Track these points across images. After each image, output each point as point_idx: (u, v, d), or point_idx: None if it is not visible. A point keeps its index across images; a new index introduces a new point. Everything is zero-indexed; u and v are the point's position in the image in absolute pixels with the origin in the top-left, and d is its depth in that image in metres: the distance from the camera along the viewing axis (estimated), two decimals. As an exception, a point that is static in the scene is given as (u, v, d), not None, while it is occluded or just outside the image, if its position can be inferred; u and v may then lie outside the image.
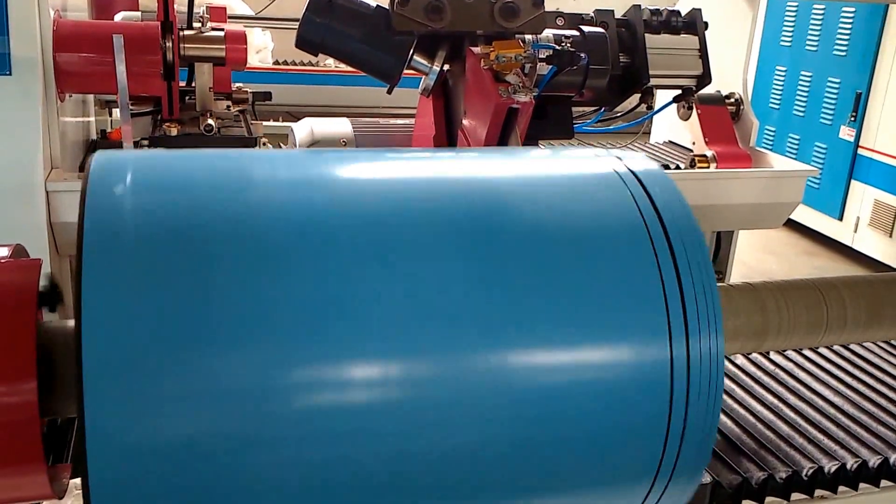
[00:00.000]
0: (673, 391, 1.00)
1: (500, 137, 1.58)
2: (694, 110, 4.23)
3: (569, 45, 1.70)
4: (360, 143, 1.99)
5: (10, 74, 3.16)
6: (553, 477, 1.01)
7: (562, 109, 1.88)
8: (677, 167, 4.06)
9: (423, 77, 1.73)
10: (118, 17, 3.87)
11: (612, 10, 1.94)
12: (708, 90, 4.32)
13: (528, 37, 1.74)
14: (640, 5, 1.97)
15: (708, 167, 4.01)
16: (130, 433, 0.82)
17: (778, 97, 6.26)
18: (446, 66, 1.74)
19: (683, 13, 2.07)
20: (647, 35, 1.97)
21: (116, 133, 3.99)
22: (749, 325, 1.35)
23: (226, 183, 0.99)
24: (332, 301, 0.89)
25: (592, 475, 1.03)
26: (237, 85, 4.14)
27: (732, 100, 4.31)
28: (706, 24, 2.06)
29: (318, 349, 0.88)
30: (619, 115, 2.03)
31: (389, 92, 1.73)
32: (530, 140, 1.95)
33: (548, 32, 1.78)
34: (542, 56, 1.61)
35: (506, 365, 0.96)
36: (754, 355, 2.57)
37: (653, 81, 1.94)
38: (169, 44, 3.54)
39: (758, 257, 5.58)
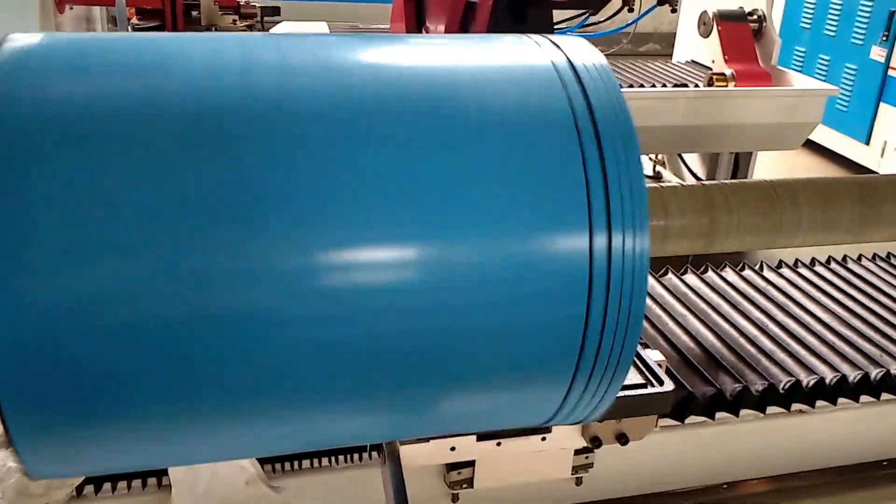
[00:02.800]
0: (592, 284, 0.98)
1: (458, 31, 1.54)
2: (714, 27, 4.10)
3: None
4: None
5: (2, -18, 3.15)
6: (469, 367, 1.00)
7: (542, 12, 1.82)
8: (696, 86, 3.95)
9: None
10: (126, -72, 3.82)
11: None
12: (730, 6, 4.19)
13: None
14: None
15: (726, 86, 3.90)
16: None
17: (809, 17, 6.04)
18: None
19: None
20: (627, -67, 1.89)
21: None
22: (696, 224, 1.31)
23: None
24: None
25: (510, 366, 1.02)
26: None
27: (755, 17, 4.17)
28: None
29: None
30: (602, 20, 1.96)
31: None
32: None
33: None
34: None
35: (424, 251, 0.94)
36: (747, 271, 2.53)
37: (628, -18, 1.86)
38: (173, -46, 3.49)
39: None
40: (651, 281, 2.46)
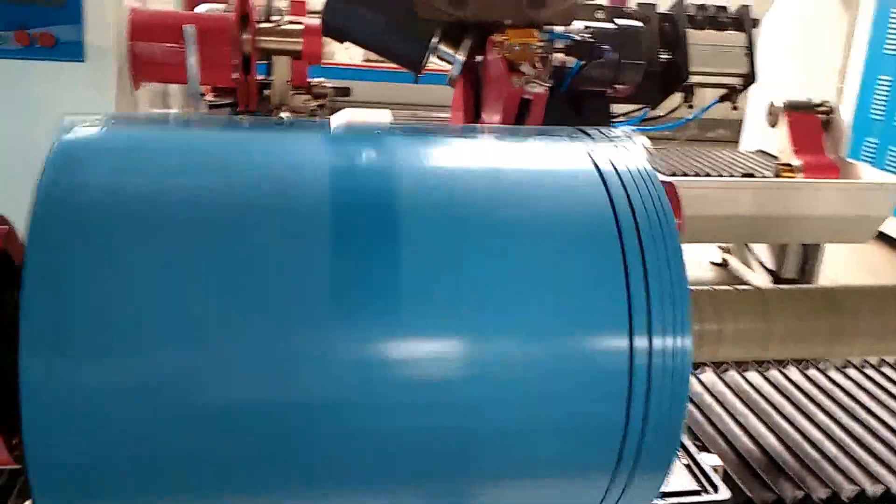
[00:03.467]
0: (632, 386, 0.97)
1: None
2: (783, 117, 4.07)
3: (589, 36, 1.64)
4: (396, 133, 1.98)
5: (84, 62, 3.27)
6: (508, 463, 0.99)
7: (600, 105, 1.83)
8: (763, 177, 3.91)
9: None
10: (201, 9, 3.97)
11: (655, 4, 1.86)
12: (799, 97, 4.15)
13: (560, 28, 1.69)
14: (682, 1, 1.89)
15: (793, 177, 3.84)
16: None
17: (881, 108, 5.95)
18: (478, 57, 1.71)
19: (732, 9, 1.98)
20: (690, 31, 1.89)
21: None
22: (751, 330, 1.27)
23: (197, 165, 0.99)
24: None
25: (549, 463, 1.01)
26: (318, 80, 4.20)
27: (824, 108, 4.12)
28: (756, 22, 1.96)
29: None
30: (661, 115, 1.96)
31: (416, 81, 1.72)
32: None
33: (580, 24, 1.73)
34: (558, 46, 1.57)
35: (463, 349, 0.94)
36: (811, 370, 2.44)
37: (694, 79, 1.85)
38: (246, 36, 3.60)
39: (851, 274, 5.32)
40: (712, 377, 2.39)
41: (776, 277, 4.31)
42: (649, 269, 1.00)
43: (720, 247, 4.83)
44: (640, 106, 1.95)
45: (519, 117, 1.47)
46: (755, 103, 4.48)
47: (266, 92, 4.13)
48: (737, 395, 2.28)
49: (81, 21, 3.18)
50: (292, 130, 1.12)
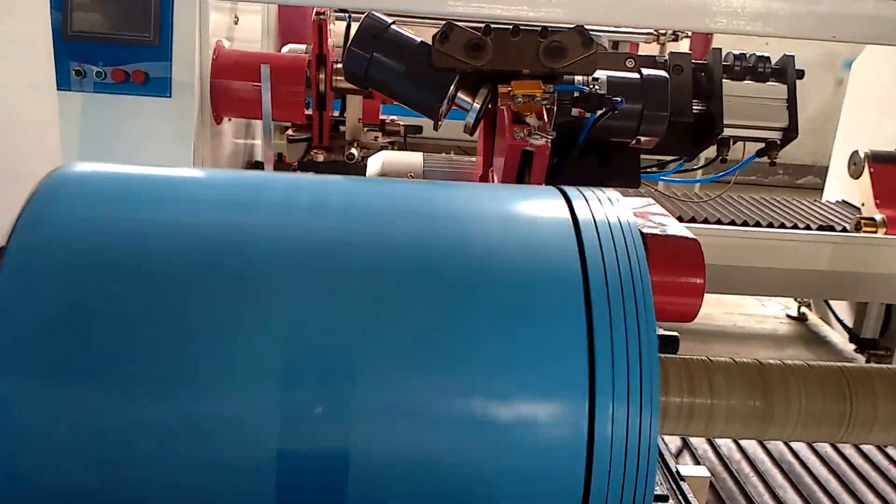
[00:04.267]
0: (592, 458, 0.91)
1: (518, 180, 1.52)
2: (866, 168, 3.88)
3: (596, 88, 1.61)
4: (427, 176, 1.98)
5: (170, 97, 3.42)
6: None
7: (628, 156, 1.78)
8: (843, 230, 3.73)
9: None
10: (285, 50, 4.11)
11: (690, 54, 1.81)
12: (885, 148, 3.95)
13: (579, 78, 1.67)
14: (720, 49, 1.82)
15: (875, 232, 3.65)
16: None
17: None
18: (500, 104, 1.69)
19: (774, 60, 1.90)
20: (727, 81, 1.82)
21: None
22: (747, 407, 1.20)
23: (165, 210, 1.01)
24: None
25: None
26: (391, 117, 4.27)
27: (910, 159, 3.92)
28: (801, 73, 1.88)
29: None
30: (697, 167, 1.89)
31: (436, 128, 1.72)
32: (594, 186, 1.87)
33: (602, 74, 1.70)
34: (565, 97, 1.54)
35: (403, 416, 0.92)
36: (869, 448, 2.29)
37: (729, 131, 1.78)
38: (322, 76, 3.71)
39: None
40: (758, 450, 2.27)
41: (854, 336, 4.09)
42: (615, 334, 0.95)
43: (797, 300, 4.63)
44: (675, 158, 1.90)
45: (521, 168, 1.45)
46: (840, 152, 4.30)
47: (341, 128, 4.24)
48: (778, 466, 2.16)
49: (170, 59, 3.34)
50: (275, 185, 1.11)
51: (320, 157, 3.81)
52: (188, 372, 0.89)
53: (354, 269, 0.95)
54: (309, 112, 4.02)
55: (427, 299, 0.94)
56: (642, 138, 1.69)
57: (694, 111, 1.78)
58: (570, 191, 1.13)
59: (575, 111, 1.65)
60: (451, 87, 1.64)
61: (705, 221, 3.56)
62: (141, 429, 0.89)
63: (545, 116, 1.46)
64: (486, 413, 0.92)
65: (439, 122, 1.70)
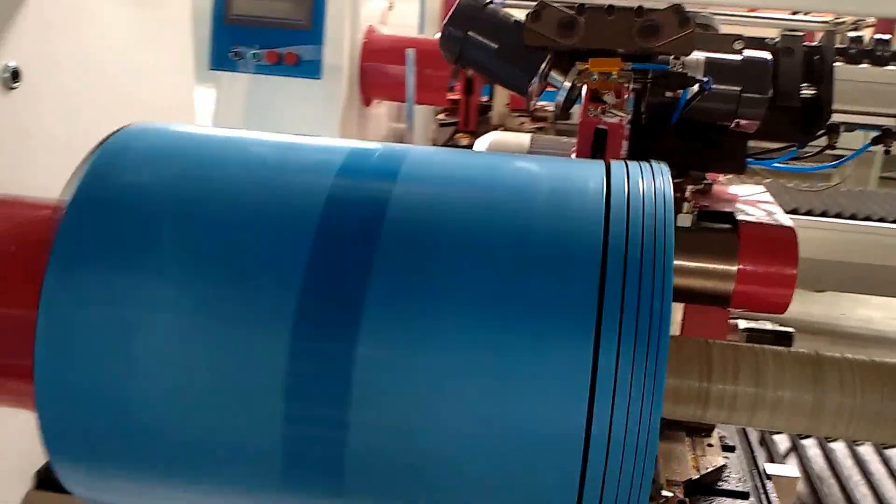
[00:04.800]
0: (588, 446, 0.90)
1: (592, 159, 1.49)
2: None
3: (681, 66, 1.55)
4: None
5: (320, 79, 3.59)
6: None
7: (734, 141, 1.72)
8: None
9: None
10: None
11: (803, 35, 1.70)
12: None
13: (671, 57, 1.62)
14: (833, 31, 1.69)
15: None
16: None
17: None
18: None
19: (897, 43, 1.75)
20: (840, 65, 1.69)
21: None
22: (796, 400, 1.14)
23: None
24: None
25: None
26: (541, 103, 4.28)
27: None
28: (925, 55, 1.72)
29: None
30: (808, 154, 1.78)
31: (527, 108, 1.73)
32: (697, 170, 1.82)
33: (702, 55, 1.64)
34: (657, 79, 1.49)
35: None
36: None
37: (840, 117, 1.66)
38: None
39: None
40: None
41: None
42: (625, 319, 0.92)
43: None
44: (786, 144, 1.81)
45: (595, 147, 1.44)
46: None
47: (489, 113, 4.29)
48: None
49: (321, 42, 3.51)
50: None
51: (464, 141, 3.89)
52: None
53: (352, 230, 0.98)
54: (457, 97, 4.11)
55: (440, 268, 0.96)
56: (742, 122, 1.63)
57: (802, 95, 1.69)
58: (616, 165, 1.12)
59: (670, 93, 1.61)
60: (544, 66, 1.65)
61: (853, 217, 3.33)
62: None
63: (623, 94, 1.44)
64: (476, 396, 0.92)
65: (532, 102, 1.71)
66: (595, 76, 1.42)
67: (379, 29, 3.81)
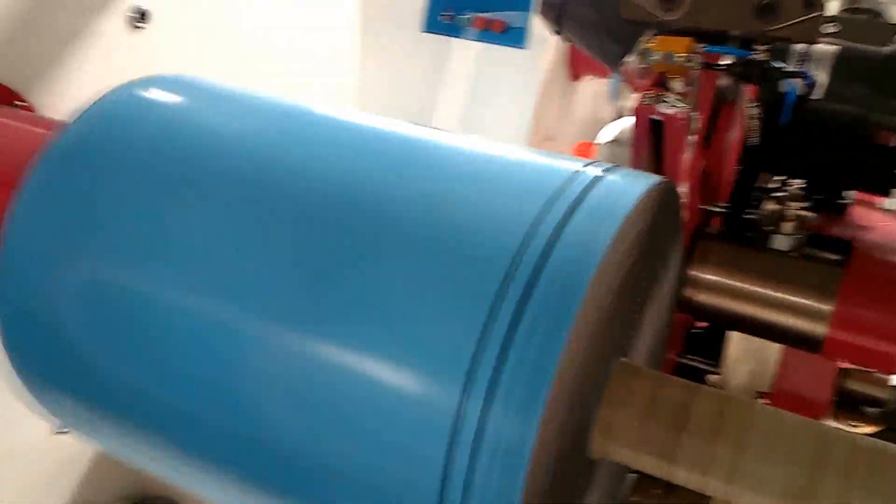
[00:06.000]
0: (453, 451, 0.80)
1: (654, 155, 1.27)
2: None
3: (765, 55, 1.26)
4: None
5: (525, 48, 3.49)
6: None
7: (876, 154, 1.41)
8: None
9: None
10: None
11: None
12: None
13: (800, 46, 1.34)
14: None
15: None
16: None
17: None
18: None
19: None
20: None
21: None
22: (787, 482, 0.88)
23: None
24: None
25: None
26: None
27: None
28: None
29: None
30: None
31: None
32: (841, 187, 1.53)
33: (826, 47, 1.34)
34: (713, 63, 1.22)
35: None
36: None
37: None
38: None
39: None
40: None
41: None
42: (521, 324, 0.80)
43: None
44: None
45: (654, 140, 1.23)
46: None
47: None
48: None
49: (530, 9, 3.40)
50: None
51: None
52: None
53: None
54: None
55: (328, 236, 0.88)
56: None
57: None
58: (594, 165, 0.95)
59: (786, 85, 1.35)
60: (642, 42, 1.45)
61: None
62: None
63: (694, 83, 1.22)
64: (345, 371, 0.84)
65: (627, 80, 1.51)
66: (655, 56, 1.20)
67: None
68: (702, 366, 1.61)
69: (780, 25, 1.30)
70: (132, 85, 1.12)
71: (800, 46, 1.37)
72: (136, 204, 0.95)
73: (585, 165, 0.95)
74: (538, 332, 0.78)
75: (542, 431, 0.78)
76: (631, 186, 0.90)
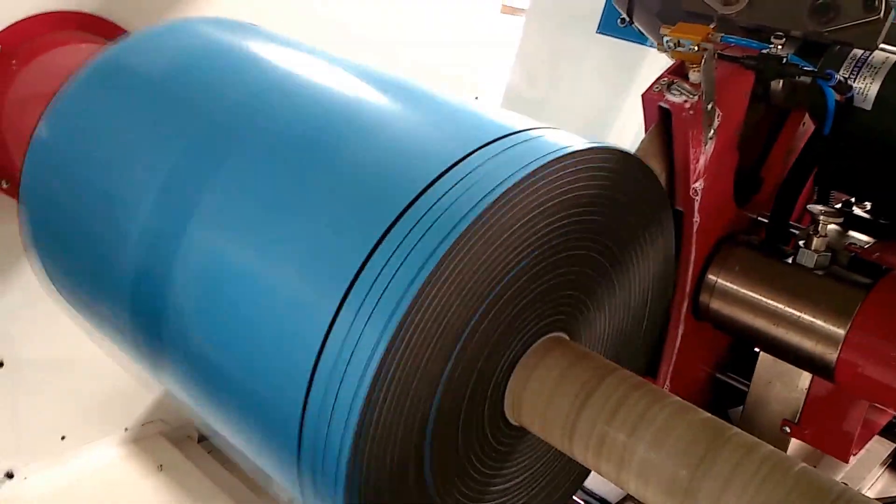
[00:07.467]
0: (319, 359, 0.84)
1: (664, 144, 1.21)
2: None
3: (779, 48, 1.15)
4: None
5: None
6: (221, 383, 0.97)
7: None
8: None
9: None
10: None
11: None
12: None
13: (858, 52, 1.24)
14: None
15: None
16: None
17: None
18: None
19: None
20: None
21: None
22: (669, 478, 0.84)
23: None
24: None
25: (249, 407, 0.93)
26: None
27: None
28: None
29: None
30: None
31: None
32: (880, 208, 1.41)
33: (886, 55, 1.22)
34: (728, 54, 1.13)
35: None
36: None
37: None
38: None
39: None
40: None
41: None
42: (401, 247, 0.83)
43: None
44: None
45: (664, 128, 1.19)
46: None
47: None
48: None
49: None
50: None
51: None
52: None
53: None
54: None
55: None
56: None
57: None
58: (551, 129, 0.96)
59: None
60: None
61: None
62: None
63: (707, 72, 1.17)
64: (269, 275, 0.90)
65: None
66: (671, 43, 1.17)
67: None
68: (737, 384, 1.54)
69: (836, 28, 1.23)
70: (177, 21, 1.24)
71: (857, 52, 1.28)
72: (125, 123, 1.08)
73: (542, 128, 0.96)
74: (415, 255, 0.80)
75: (424, 364, 0.81)
76: (559, 145, 0.90)
